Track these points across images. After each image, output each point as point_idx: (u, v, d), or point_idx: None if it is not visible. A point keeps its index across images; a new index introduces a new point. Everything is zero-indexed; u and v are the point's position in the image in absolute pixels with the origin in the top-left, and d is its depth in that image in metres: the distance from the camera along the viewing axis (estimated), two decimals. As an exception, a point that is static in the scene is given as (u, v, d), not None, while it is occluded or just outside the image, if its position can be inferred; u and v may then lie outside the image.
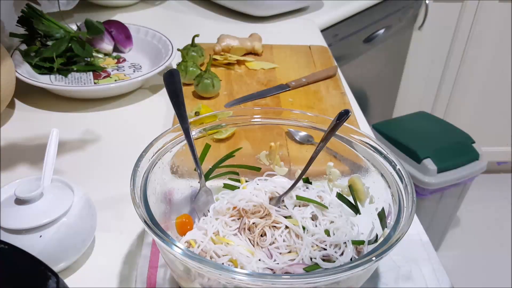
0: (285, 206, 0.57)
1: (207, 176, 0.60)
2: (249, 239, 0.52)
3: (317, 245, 0.52)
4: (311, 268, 0.49)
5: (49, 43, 0.94)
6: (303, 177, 0.58)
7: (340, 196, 0.59)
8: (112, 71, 0.97)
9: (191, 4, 1.36)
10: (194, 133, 0.58)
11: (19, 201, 0.52)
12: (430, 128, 1.71)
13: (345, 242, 0.53)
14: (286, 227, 0.53)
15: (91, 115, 0.86)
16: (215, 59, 0.98)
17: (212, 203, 0.58)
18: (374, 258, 0.42)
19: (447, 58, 2.14)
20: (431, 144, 1.59)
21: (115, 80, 0.93)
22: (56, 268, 0.53)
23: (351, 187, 0.58)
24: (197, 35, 0.96)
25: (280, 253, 0.51)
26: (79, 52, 0.94)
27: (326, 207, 0.57)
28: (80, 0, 1.18)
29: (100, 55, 1.01)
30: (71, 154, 0.75)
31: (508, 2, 1.97)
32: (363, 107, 0.97)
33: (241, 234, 0.53)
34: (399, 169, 0.52)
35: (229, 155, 0.62)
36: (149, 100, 0.91)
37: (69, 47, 0.93)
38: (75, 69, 0.94)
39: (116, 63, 1.00)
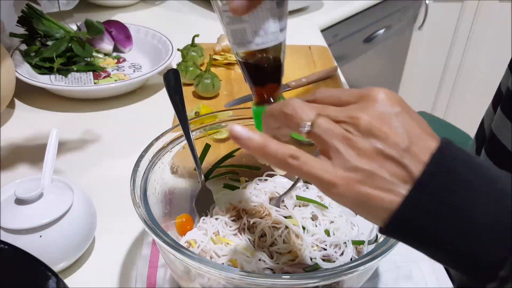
0: (285, 206, 0.57)
1: (207, 176, 0.60)
2: (249, 239, 0.52)
3: (317, 245, 0.52)
4: (311, 268, 0.49)
5: (49, 43, 0.94)
6: (303, 177, 0.57)
7: (340, 196, 0.59)
8: (112, 71, 0.97)
9: (191, 4, 1.36)
10: (194, 133, 0.58)
11: (19, 201, 0.52)
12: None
13: (345, 242, 0.53)
14: (286, 227, 0.53)
15: (91, 115, 0.86)
16: (215, 59, 0.98)
17: (212, 203, 0.58)
18: (374, 258, 0.42)
19: (447, 58, 2.14)
20: (431, 144, 1.59)
21: (115, 80, 0.93)
22: (56, 268, 0.53)
23: (351, 187, 0.58)
24: (197, 35, 0.96)
25: (280, 253, 0.51)
26: (79, 52, 0.94)
27: (326, 207, 0.57)
28: (80, 0, 1.18)
29: (100, 55, 1.01)
30: (71, 154, 0.75)
31: (508, 2, 1.97)
32: (363, 107, 0.97)
33: (241, 234, 0.53)
34: (399, 169, 0.52)
35: (229, 155, 0.62)
36: (149, 100, 0.91)
37: (69, 47, 0.93)
38: (75, 69, 0.94)
39: (116, 63, 1.00)
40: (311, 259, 0.51)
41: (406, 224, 0.32)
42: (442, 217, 0.31)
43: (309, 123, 0.35)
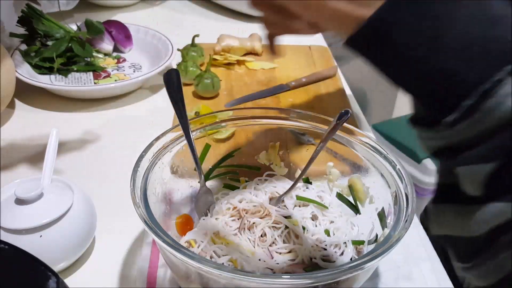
0: (285, 206, 0.57)
1: (207, 176, 0.60)
2: (249, 239, 0.52)
3: (317, 245, 0.52)
4: (311, 268, 0.50)
5: (49, 43, 0.94)
6: (303, 177, 0.58)
7: (340, 196, 0.59)
8: (112, 71, 0.97)
9: (191, 4, 1.36)
10: (194, 133, 0.58)
11: (19, 201, 0.52)
12: (430, 128, 1.71)
13: (345, 242, 0.53)
14: (286, 227, 0.53)
15: (91, 115, 0.86)
16: (215, 59, 0.97)
17: (212, 203, 0.58)
18: (374, 258, 0.42)
19: (447, 58, 2.13)
20: (431, 144, 1.59)
21: (115, 80, 0.93)
22: (56, 268, 0.53)
23: (351, 187, 0.58)
24: (197, 35, 0.96)
25: (280, 253, 0.51)
26: (79, 52, 0.94)
27: (326, 207, 0.57)
28: (80, 0, 1.18)
29: (100, 55, 1.01)
30: (71, 154, 0.75)
31: (508, 2, 1.97)
32: (363, 107, 0.97)
33: (241, 234, 0.53)
34: (399, 169, 0.52)
35: (229, 155, 0.62)
36: (149, 100, 0.91)
37: (69, 47, 0.93)
38: (75, 69, 0.94)
39: (116, 63, 1.00)
40: (311, 259, 0.51)
41: (374, 33, 0.31)
42: (414, 28, 0.28)
43: None
